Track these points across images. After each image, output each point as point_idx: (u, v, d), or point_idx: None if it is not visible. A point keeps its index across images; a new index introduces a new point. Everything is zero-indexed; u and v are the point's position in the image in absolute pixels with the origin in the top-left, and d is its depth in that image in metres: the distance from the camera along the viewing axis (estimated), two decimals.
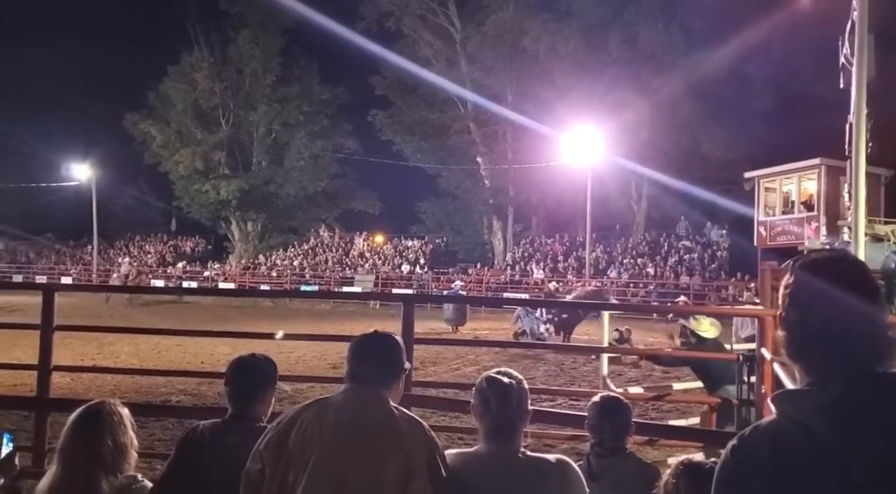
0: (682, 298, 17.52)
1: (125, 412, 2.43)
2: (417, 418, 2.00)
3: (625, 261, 29.63)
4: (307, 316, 21.80)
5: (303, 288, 32.08)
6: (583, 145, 27.85)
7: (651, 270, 28.15)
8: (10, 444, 2.49)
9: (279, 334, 5.23)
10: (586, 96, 28.79)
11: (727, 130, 27.51)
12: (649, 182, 30.25)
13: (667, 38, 29.14)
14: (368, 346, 2.08)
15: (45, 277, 36.47)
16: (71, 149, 39.45)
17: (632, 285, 27.50)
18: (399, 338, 2.15)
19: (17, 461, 2.42)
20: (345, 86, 39.93)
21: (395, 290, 28.53)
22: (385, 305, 24.93)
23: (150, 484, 2.37)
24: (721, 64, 25.14)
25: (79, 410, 2.40)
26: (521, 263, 32.63)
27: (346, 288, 30.58)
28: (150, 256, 44.09)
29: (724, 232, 28.96)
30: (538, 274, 30.66)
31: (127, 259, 35.28)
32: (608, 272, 29.26)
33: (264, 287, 32.87)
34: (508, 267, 32.86)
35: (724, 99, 26.98)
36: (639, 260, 29.23)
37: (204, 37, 39.41)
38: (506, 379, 2.05)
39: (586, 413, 2.78)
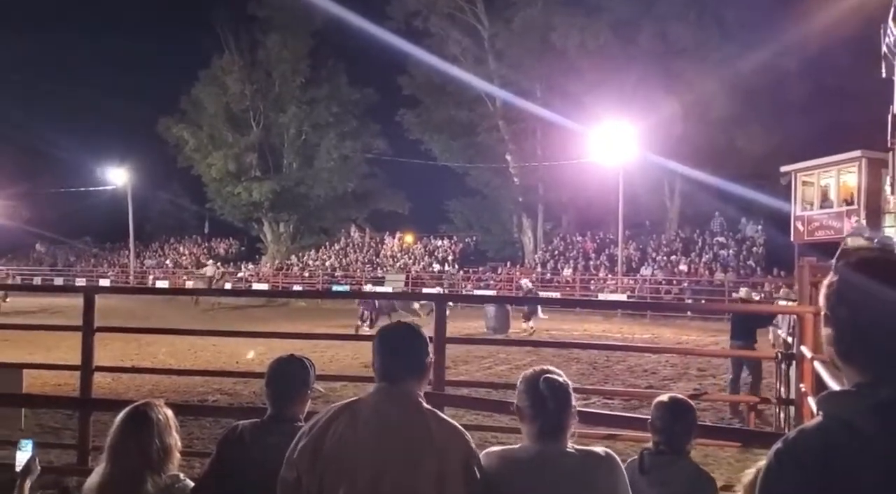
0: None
1: (170, 413, 2.49)
2: (451, 421, 1.97)
3: (658, 259, 29.22)
4: (339, 316, 21.92)
5: (334, 288, 32.31)
6: (614, 142, 27.53)
7: (685, 267, 27.71)
8: (31, 450, 2.57)
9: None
10: (617, 91, 28.40)
11: (762, 125, 26.91)
12: (682, 178, 29.76)
13: (699, 31, 28.59)
14: (393, 339, 2.05)
15: (84, 280, 37.26)
16: (107, 154, 40.50)
17: (665, 282, 27.11)
18: (422, 329, 2.11)
19: (37, 463, 2.53)
20: (373, 87, 40.18)
21: (425, 290, 28.57)
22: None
23: (191, 484, 2.41)
24: (755, 56, 24.59)
25: (126, 410, 2.46)
26: (552, 261, 32.40)
27: (376, 288, 30.71)
28: (184, 258, 44.91)
29: (760, 227, 28.37)
30: (568, 272, 30.44)
31: (211, 260, 35.83)
32: (641, 269, 28.92)
33: (297, 287, 33.18)
34: (539, 266, 32.67)
35: (759, 92, 26.40)
36: (672, 258, 28.80)
37: (234, 40, 39.98)
38: (561, 379, 2.03)
39: (649, 415, 2.73)
